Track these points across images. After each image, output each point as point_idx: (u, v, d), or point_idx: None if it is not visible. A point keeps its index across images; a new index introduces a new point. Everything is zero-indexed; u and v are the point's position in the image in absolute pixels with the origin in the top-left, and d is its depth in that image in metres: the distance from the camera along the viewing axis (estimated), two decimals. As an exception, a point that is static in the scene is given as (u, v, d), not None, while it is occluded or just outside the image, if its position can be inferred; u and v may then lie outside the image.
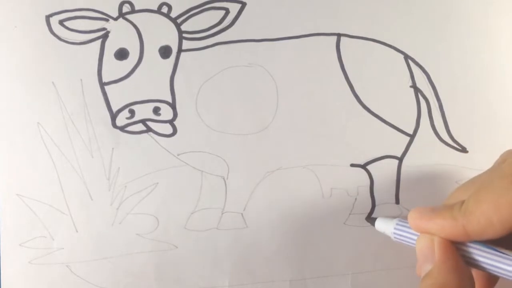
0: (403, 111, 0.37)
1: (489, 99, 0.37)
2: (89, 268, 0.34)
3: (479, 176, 0.27)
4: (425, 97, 0.37)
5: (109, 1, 0.35)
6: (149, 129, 0.35)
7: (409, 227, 0.28)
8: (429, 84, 0.37)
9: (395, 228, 0.30)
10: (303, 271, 0.36)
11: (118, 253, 0.34)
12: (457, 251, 0.25)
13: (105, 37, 0.35)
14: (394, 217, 0.30)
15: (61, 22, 0.35)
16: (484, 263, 0.25)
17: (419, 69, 0.37)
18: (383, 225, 0.31)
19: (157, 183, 0.35)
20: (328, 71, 0.36)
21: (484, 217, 0.23)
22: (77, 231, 0.34)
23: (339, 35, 0.37)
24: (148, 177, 0.35)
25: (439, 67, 0.37)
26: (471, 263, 0.25)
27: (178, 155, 0.35)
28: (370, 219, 0.35)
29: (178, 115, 0.35)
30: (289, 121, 0.36)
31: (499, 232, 0.23)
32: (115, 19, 0.35)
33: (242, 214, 0.35)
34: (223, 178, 0.35)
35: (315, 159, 0.36)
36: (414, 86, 0.37)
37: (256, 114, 0.36)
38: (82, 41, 0.35)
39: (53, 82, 0.35)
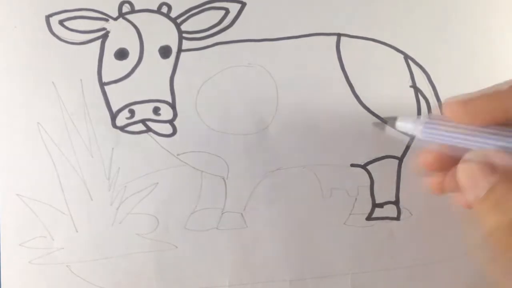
0: (403, 111, 0.37)
1: (489, 99, 0.37)
2: (89, 268, 0.34)
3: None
4: (425, 97, 0.37)
5: (109, 1, 0.35)
6: (149, 129, 0.35)
7: (441, 124, 0.25)
8: (429, 84, 0.37)
9: (426, 122, 0.25)
10: (303, 271, 0.36)
11: (118, 253, 0.34)
12: None
13: (105, 37, 0.35)
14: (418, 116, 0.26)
15: (61, 22, 0.35)
16: None
17: (419, 69, 0.37)
18: (408, 124, 0.26)
19: (157, 183, 0.35)
20: (328, 71, 0.36)
21: None
22: (77, 231, 0.34)
23: (339, 35, 0.37)
24: (148, 177, 0.35)
25: (439, 67, 0.37)
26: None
27: (178, 155, 0.35)
28: (389, 118, 0.27)
29: (178, 115, 0.35)
30: (289, 121, 0.36)
31: None
32: (115, 19, 0.35)
33: (242, 214, 0.35)
34: (223, 178, 0.35)
35: (315, 159, 0.36)
36: (414, 86, 0.37)
37: (256, 114, 0.36)
38: (82, 41, 0.35)
39: (53, 82, 0.35)
